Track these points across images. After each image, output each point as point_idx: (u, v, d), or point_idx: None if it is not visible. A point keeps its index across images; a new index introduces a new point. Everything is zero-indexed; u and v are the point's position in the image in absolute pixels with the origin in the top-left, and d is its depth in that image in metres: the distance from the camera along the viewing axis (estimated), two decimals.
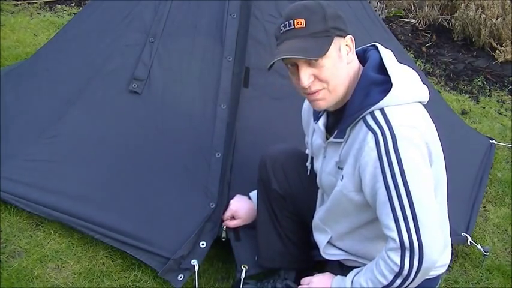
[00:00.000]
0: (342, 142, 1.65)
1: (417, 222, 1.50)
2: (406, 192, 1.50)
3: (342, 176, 1.65)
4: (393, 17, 5.23)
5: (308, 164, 1.93)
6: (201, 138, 2.29)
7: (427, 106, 1.67)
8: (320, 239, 1.89)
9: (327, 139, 1.73)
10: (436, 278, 1.83)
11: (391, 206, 1.52)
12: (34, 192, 2.37)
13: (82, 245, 2.35)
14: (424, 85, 1.67)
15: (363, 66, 1.65)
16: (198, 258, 2.14)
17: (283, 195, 2.02)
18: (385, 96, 1.54)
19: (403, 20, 5.17)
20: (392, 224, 1.52)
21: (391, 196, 1.51)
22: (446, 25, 5.05)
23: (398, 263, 1.53)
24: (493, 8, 4.70)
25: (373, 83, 1.58)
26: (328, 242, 1.86)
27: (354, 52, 1.64)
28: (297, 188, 2.01)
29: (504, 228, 2.74)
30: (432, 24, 5.09)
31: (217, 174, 2.23)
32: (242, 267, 2.08)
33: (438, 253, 1.55)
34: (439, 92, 3.91)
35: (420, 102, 1.64)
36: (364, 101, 1.57)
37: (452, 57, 4.67)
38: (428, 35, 4.97)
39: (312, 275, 1.85)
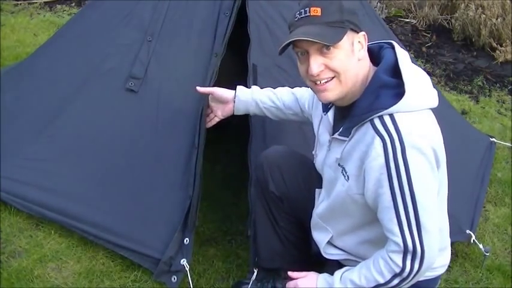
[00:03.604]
0: (345, 141, 1.65)
1: (420, 228, 1.53)
2: (411, 198, 1.51)
3: (348, 177, 1.65)
4: (393, 17, 5.23)
5: (314, 152, 1.92)
6: (190, 135, 2.29)
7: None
8: (320, 238, 1.89)
9: (333, 133, 1.73)
10: (435, 279, 1.83)
11: (395, 212, 1.53)
12: (31, 192, 2.39)
13: (82, 245, 2.36)
14: (434, 89, 1.66)
15: (376, 64, 1.64)
16: (186, 256, 2.15)
17: (280, 197, 2.02)
18: (396, 101, 1.53)
19: (403, 20, 5.18)
20: (396, 229, 1.54)
21: (396, 202, 1.52)
22: (446, 25, 5.05)
23: (400, 264, 1.55)
24: (493, 8, 4.70)
25: (385, 86, 1.57)
26: (329, 242, 1.86)
27: (366, 50, 1.64)
28: (294, 189, 2.01)
29: (504, 228, 2.74)
30: (432, 24, 5.09)
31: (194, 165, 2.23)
32: (254, 269, 2.10)
33: (436, 256, 1.59)
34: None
35: (431, 108, 1.62)
36: (373, 103, 1.56)
37: (452, 57, 4.67)
38: (428, 35, 4.97)
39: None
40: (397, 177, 1.51)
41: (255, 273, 2.09)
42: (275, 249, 2.07)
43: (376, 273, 1.59)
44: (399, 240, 1.54)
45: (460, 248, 2.51)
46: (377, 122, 1.55)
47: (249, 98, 2.11)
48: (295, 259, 2.09)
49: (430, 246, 1.54)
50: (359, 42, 1.60)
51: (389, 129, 1.52)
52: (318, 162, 1.86)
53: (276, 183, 2.00)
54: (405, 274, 1.56)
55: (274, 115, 2.11)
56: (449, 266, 2.41)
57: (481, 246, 2.43)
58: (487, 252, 2.42)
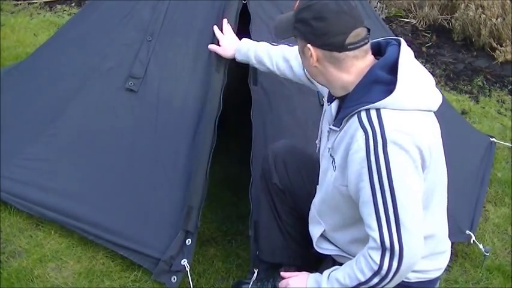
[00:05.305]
0: (337, 131, 1.65)
1: (399, 225, 1.51)
2: (391, 194, 1.50)
3: (335, 168, 1.65)
4: (393, 17, 5.23)
5: (317, 141, 1.93)
6: (190, 135, 2.29)
7: None
8: (314, 231, 1.89)
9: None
10: (432, 281, 1.81)
11: (374, 206, 1.52)
12: (31, 192, 2.39)
13: (82, 245, 2.36)
14: (436, 93, 1.64)
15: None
16: (187, 257, 2.15)
17: (283, 190, 2.03)
18: (385, 97, 1.52)
19: (403, 20, 5.17)
20: (374, 224, 1.53)
21: (376, 196, 1.51)
22: (446, 25, 5.04)
23: (378, 262, 1.54)
24: (493, 8, 4.70)
25: (377, 82, 1.56)
26: (322, 236, 1.86)
27: (323, 64, 1.63)
28: (297, 183, 2.02)
29: (504, 228, 2.74)
30: (432, 24, 5.09)
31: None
32: (254, 269, 2.10)
33: (418, 257, 1.56)
34: None
35: (426, 110, 1.60)
36: (363, 96, 1.56)
37: (452, 57, 4.67)
38: (428, 35, 4.97)
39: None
40: (377, 171, 1.50)
41: (255, 273, 2.10)
42: (276, 242, 2.08)
43: (358, 271, 1.59)
44: (376, 235, 1.52)
45: (460, 248, 2.51)
46: (363, 115, 1.55)
47: (248, 56, 2.18)
48: (296, 254, 2.09)
49: (410, 245, 1.52)
50: (309, 50, 1.62)
51: (373, 123, 1.52)
52: (320, 152, 1.86)
53: (280, 176, 2.02)
54: (383, 272, 1.54)
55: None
56: (449, 266, 2.43)
57: (481, 246, 2.43)
58: (487, 252, 2.42)
